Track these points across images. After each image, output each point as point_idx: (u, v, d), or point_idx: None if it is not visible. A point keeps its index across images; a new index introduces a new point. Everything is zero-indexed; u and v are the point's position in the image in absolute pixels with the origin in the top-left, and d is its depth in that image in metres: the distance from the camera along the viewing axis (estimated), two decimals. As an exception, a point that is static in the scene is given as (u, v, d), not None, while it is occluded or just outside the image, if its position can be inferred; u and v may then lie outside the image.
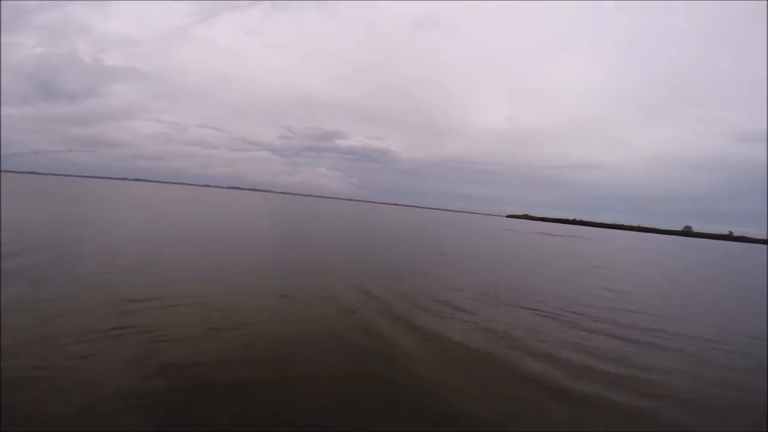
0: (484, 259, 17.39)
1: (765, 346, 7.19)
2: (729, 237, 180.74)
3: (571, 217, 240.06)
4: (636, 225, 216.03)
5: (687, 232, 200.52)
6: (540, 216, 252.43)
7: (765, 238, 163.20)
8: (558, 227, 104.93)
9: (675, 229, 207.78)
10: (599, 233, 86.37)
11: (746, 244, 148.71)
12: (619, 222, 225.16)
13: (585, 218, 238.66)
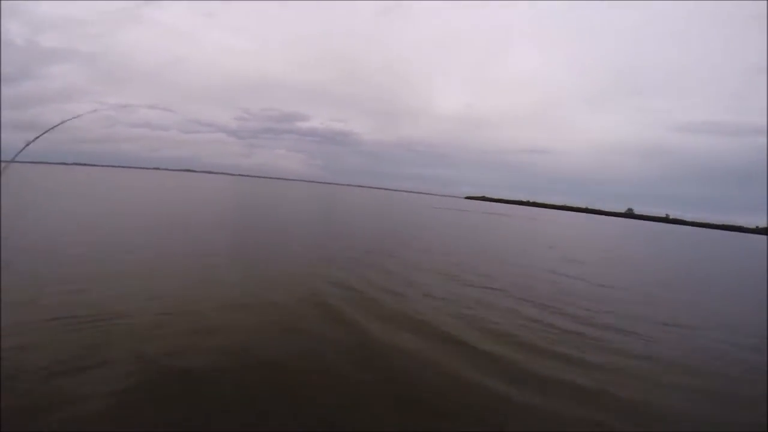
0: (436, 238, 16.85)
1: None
2: (666, 219, 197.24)
3: (524, 199, 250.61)
4: (584, 206, 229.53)
5: (629, 214, 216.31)
6: (496, 197, 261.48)
7: (699, 221, 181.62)
8: (513, 208, 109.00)
9: (619, 210, 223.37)
10: (552, 214, 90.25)
11: (683, 226, 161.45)
12: (569, 204, 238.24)
13: (537, 200, 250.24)
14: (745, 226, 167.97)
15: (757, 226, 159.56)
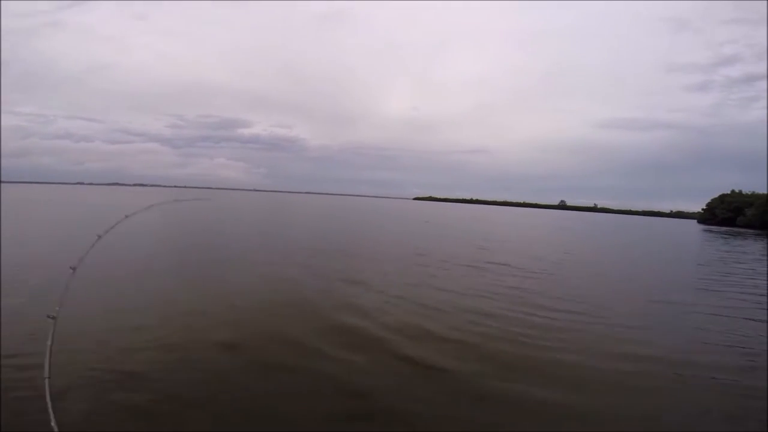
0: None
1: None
2: (595, 209, 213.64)
3: (469, 197, 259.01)
4: (522, 201, 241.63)
5: (562, 206, 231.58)
6: (442, 197, 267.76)
7: (624, 209, 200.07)
8: (460, 207, 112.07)
9: (553, 203, 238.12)
10: (496, 211, 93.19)
11: (610, 214, 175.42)
12: (509, 200, 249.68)
13: (480, 197, 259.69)
14: (662, 210, 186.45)
15: (671, 210, 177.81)
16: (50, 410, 1.85)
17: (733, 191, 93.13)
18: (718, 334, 6.68)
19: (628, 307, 8.33)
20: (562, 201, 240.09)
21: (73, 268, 2.45)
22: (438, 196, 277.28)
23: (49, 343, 2.00)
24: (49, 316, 2.13)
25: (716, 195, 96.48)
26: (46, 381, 1.95)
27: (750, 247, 27.65)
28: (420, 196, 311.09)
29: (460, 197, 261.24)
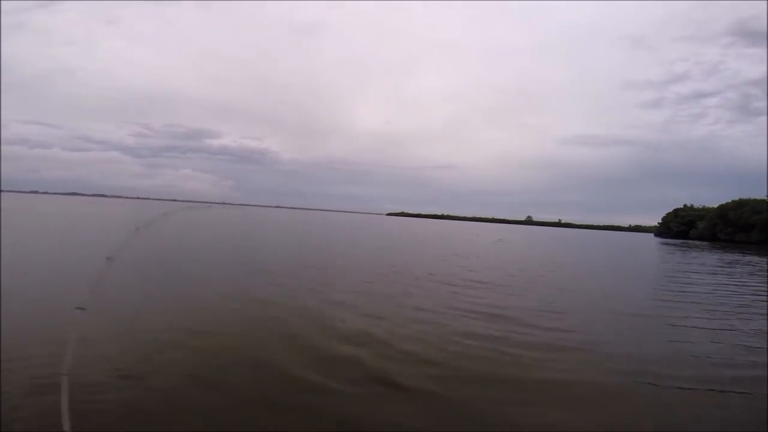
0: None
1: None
2: (559, 224, 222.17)
3: (439, 213, 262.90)
4: (489, 217, 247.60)
5: (529, 222, 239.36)
6: (414, 213, 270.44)
7: (585, 224, 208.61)
8: (432, 223, 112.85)
9: (519, 218, 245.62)
10: (467, 227, 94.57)
11: (573, 229, 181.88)
12: (477, 215, 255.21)
13: (451, 213, 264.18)
14: (621, 225, 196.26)
15: (629, 225, 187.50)
16: (65, 410, 1.82)
17: (685, 205, 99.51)
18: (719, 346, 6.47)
19: (609, 321, 8.07)
20: (528, 216, 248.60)
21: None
22: (410, 212, 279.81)
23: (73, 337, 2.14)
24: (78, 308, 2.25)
25: (669, 209, 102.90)
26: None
27: (705, 258, 29.02)
28: (393, 211, 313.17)
29: (432, 213, 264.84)
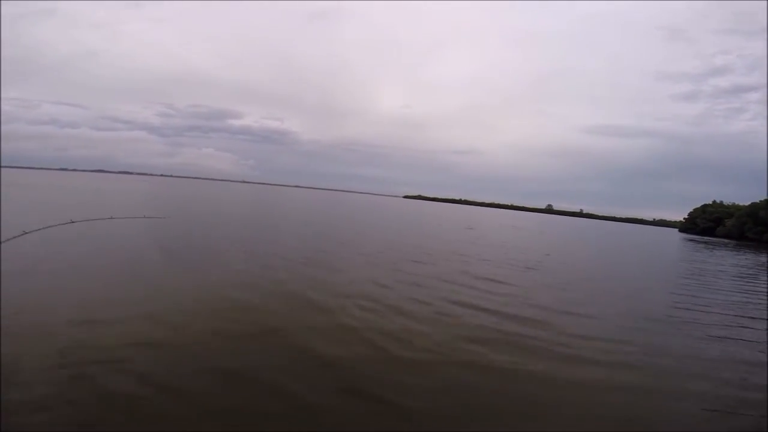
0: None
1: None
2: (580, 214, 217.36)
3: (457, 197, 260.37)
4: (509, 204, 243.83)
5: (549, 210, 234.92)
6: (431, 196, 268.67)
7: (608, 215, 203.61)
8: (449, 207, 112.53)
9: (540, 207, 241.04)
10: (488, 213, 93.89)
11: (594, 220, 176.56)
12: (496, 201, 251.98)
13: (468, 198, 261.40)
14: (645, 218, 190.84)
15: (653, 219, 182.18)
16: None
17: (714, 202, 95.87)
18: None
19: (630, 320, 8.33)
20: (549, 205, 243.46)
21: None
22: (427, 195, 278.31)
23: None
24: None
25: (694, 204, 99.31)
26: None
27: (730, 258, 28.41)
28: (409, 194, 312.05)
29: (449, 197, 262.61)
